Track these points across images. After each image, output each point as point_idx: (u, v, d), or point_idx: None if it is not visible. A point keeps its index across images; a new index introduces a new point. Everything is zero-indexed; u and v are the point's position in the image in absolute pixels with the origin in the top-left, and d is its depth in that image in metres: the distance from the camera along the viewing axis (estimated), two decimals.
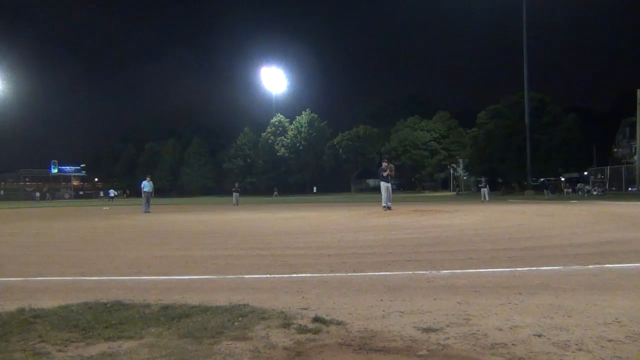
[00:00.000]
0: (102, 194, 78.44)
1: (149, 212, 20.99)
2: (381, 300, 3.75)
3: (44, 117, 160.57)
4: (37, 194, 74.65)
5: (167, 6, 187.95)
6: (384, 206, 15.79)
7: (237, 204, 29.52)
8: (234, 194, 30.96)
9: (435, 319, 3.17)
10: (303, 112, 75.98)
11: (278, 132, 75.31)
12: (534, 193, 38.88)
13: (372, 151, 73.03)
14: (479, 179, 33.74)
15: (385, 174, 15.91)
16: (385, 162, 16.64)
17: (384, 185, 15.96)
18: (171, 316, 3.25)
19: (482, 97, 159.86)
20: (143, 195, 21.99)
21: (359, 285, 4.40)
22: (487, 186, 29.15)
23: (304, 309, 3.51)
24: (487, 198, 28.01)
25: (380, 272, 5.09)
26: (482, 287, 4.19)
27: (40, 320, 3.22)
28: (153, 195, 22.85)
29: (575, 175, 48.55)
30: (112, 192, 60.38)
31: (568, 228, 9.72)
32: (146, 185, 21.88)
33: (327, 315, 3.27)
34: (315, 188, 72.09)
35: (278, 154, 73.67)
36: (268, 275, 5.08)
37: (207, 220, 16.12)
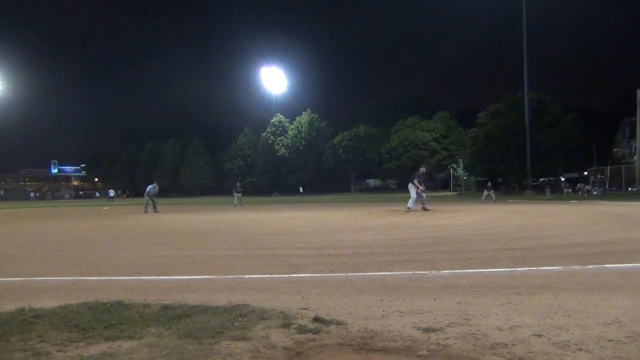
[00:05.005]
0: (98, 194, 78.33)
1: (147, 212, 20.96)
2: (381, 300, 3.75)
3: (44, 117, 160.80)
4: (32, 194, 74.49)
5: (167, 6, 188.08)
6: (408, 207, 15.55)
7: (239, 204, 28.50)
8: (236, 194, 29.63)
9: (435, 319, 3.17)
10: (303, 112, 75.98)
11: (278, 132, 75.31)
12: (534, 193, 38.87)
13: (372, 151, 73.01)
14: (479, 180, 34.09)
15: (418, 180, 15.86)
16: (423, 169, 16.64)
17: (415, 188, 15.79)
18: (171, 316, 3.25)
19: (482, 97, 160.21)
20: (146, 195, 21.86)
21: (359, 285, 4.40)
22: (492, 189, 29.32)
23: (304, 309, 3.51)
24: (493, 198, 28.08)
25: (380, 272, 5.09)
26: (482, 287, 4.19)
27: (40, 320, 3.22)
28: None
29: (575, 175, 48.55)
30: (111, 192, 60.32)
31: (568, 228, 9.72)
32: (151, 191, 21.83)
33: (327, 315, 3.27)
34: (301, 188, 71.65)
35: (278, 154, 73.67)
36: (268, 275, 5.08)
37: (207, 220, 16.12)
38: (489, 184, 30.39)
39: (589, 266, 5.14)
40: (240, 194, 29.94)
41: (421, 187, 15.90)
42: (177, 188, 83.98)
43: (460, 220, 11.99)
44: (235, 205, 28.38)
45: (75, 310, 3.48)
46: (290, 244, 8.11)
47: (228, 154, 79.94)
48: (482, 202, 26.46)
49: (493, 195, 28.81)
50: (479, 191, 30.52)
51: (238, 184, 33.16)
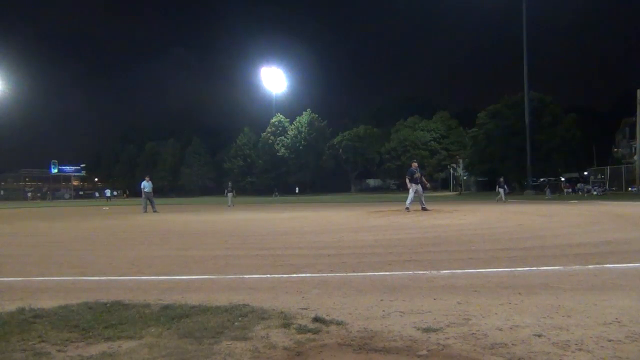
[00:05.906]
0: (97, 194, 78.49)
1: (146, 212, 20.90)
2: (381, 300, 3.75)
3: (44, 117, 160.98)
4: (29, 194, 74.46)
5: (166, 6, 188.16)
6: (406, 207, 15.54)
7: (232, 204, 28.42)
8: (229, 194, 29.66)
9: (435, 319, 3.17)
10: (303, 112, 76.04)
11: (278, 132, 75.34)
12: (534, 193, 38.89)
13: (372, 151, 73.00)
14: (479, 179, 33.73)
15: (415, 175, 15.77)
16: (415, 163, 16.52)
17: (413, 186, 15.74)
18: (171, 316, 3.25)
19: (482, 97, 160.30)
20: (144, 195, 21.81)
21: (359, 285, 4.40)
22: (505, 186, 28.57)
23: (304, 309, 3.51)
24: (503, 198, 27.54)
25: (380, 272, 5.09)
26: (482, 287, 4.19)
27: (40, 320, 3.22)
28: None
29: (575, 175, 48.57)
30: (108, 192, 60.42)
31: (568, 228, 9.71)
32: (146, 186, 21.76)
33: (327, 315, 3.27)
34: (297, 188, 71.70)
35: (278, 154, 73.70)
36: (268, 275, 5.07)
37: (207, 220, 16.11)
38: (502, 179, 29.30)
39: (589, 266, 5.13)
40: (232, 194, 29.95)
41: (423, 183, 15.86)
42: (177, 188, 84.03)
43: (460, 220, 11.99)
44: (230, 205, 28.17)
45: (75, 310, 3.48)
46: (290, 244, 8.11)
47: (228, 154, 79.98)
48: (504, 201, 25.28)
49: (500, 192, 28.12)
50: (480, 191, 29.99)
51: (230, 184, 33.01)
